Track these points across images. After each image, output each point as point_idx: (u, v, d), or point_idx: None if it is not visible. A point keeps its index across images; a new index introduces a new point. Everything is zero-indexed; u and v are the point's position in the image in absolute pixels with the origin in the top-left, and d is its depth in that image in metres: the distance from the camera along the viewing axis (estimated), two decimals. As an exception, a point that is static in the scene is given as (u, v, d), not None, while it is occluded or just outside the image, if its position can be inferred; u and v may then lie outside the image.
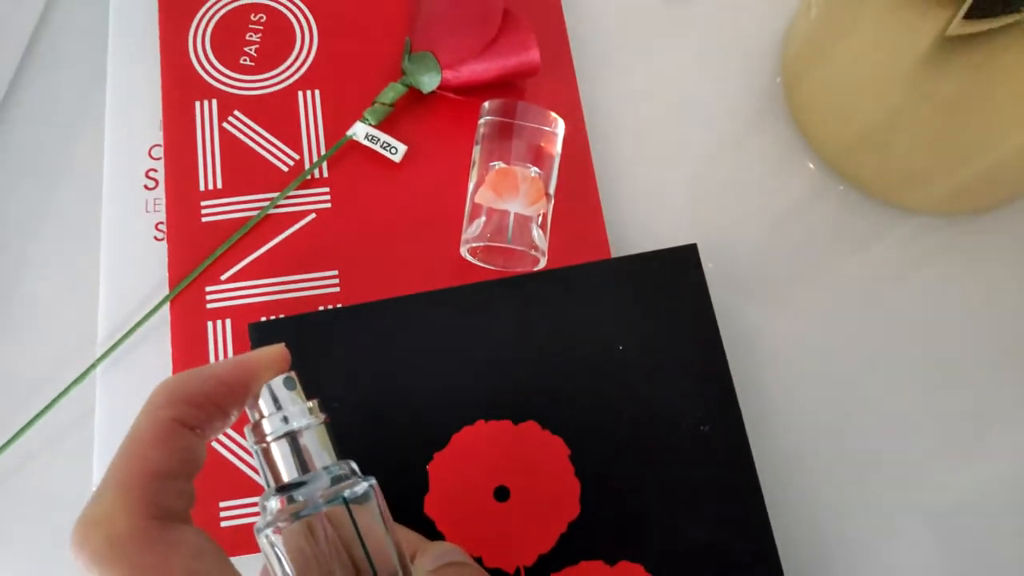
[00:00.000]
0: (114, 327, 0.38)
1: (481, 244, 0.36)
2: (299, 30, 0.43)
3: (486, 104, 0.38)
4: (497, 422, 0.34)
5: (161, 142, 0.41)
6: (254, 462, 0.35)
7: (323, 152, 0.40)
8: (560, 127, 0.38)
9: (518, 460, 0.33)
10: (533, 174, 0.36)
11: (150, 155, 0.41)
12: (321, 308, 0.37)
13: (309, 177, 0.40)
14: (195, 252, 0.38)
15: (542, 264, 0.37)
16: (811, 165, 0.43)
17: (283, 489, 0.23)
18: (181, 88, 0.41)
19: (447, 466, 0.33)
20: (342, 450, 0.24)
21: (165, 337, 0.37)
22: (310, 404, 0.24)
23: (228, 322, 0.37)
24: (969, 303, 0.40)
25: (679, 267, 0.36)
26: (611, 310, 0.36)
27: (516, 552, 0.33)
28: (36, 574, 0.36)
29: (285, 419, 0.24)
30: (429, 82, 0.40)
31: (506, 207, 0.36)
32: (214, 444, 0.36)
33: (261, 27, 0.43)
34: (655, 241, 0.39)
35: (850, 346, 0.39)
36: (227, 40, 0.42)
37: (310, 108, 0.41)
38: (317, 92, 0.41)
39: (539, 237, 0.36)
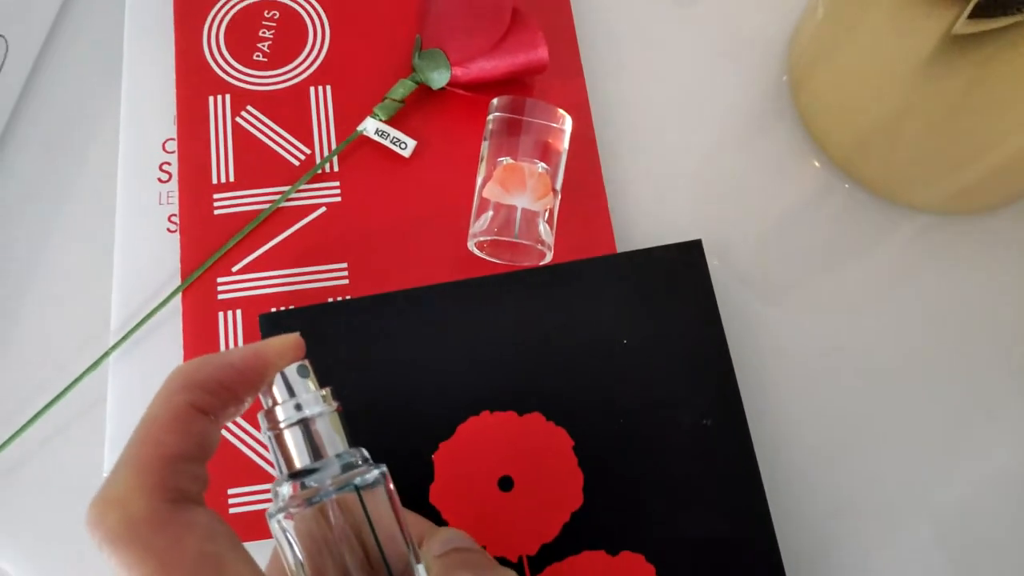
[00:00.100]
0: (127, 316, 0.38)
1: (488, 238, 0.36)
2: (311, 27, 0.43)
3: (495, 101, 0.38)
4: (502, 413, 0.34)
5: (175, 136, 0.41)
6: (267, 450, 0.36)
7: (334, 147, 0.41)
8: (568, 124, 0.38)
9: (522, 451, 0.34)
10: (540, 170, 0.37)
11: (164, 149, 0.41)
12: (330, 300, 0.38)
13: (320, 171, 0.40)
14: (207, 244, 0.39)
15: (548, 258, 0.37)
16: (816, 163, 0.43)
17: (295, 475, 0.23)
18: (195, 83, 0.42)
19: (452, 456, 0.34)
20: (353, 439, 0.25)
21: (177, 327, 0.38)
22: (323, 392, 0.25)
23: (239, 313, 0.38)
24: (974, 301, 0.40)
25: (684, 263, 0.37)
26: (616, 304, 0.36)
27: (519, 541, 0.33)
28: (48, 561, 0.36)
29: (298, 406, 0.24)
30: (439, 79, 0.40)
31: (513, 202, 0.36)
32: (223, 432, 0.36)
33: (274, 24, 0.43)
34: (660, 237, 0.40)
35: (853, 343, 0.39)
36: (241, 36, 0.43)
37: (322, 104, 0.42)
38: (329, 88, 0.42)
39: (545, 232, 0.37)
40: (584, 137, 0.41)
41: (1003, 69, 0.33)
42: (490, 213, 0.37)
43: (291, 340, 0.25)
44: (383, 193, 0.40)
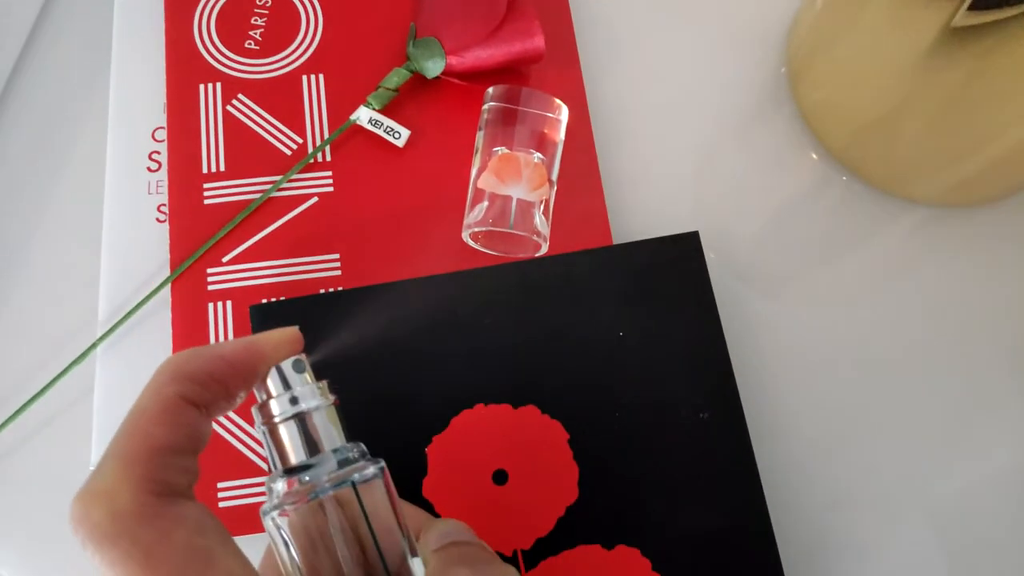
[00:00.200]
0: (115, 308, 0.38)
1: (483, 229, 0.36)
2: (304, 14, 0.43)
3: (490, 90, 0.38)
4: (496, 406, 0.34)
5: (164, 124, 0.41)
6: (257, 443, 0.35)
7: (326, 136, 0.40)
8: (564, 113, 0.38)
9: (517, 444, 0.33)
10: (536, 160, 0.36)
11: (153, 137, 0.41)
12: (322, 291, 0.37)
13: (312, 161, 0.40)
14: (197, 234, 0.38)
15: (544, 250, 0.37)
16: (814, 155, 0.42)
17: (290, 471, 0.23)
18: (185, 71, 0.41)
19: (446, 449, 0.33)
20: (351, 432, 0.24)
21: (166, 318, 0.37)
22: (320, 385, 0.24)
23: (229, 304, 0.37)
24: (972, 294, 0.40)
25: (681, 254, 0.36)
26: (612, 296, 0.36)
27: (514, 535, 0.33)
28: (35, 554, 0.36)
29: (294, 399, 0.23)
30: (433, 67, 0.40)
31: (509, 192, 0.36)
32: (212, 424, 0.35)
33: (266, 11, 0.43)
34: (657, 228, 0.39)
35: (851, 336, 0.39)
36: (232, 24, 0.42)
37: (314, 92, 0.41)
38: (321, 76, 0.41)
39: (541, 223, 0.36)
40: (580, 127, 0.41)
41: (1003, 61, 0.33)
42: (485, 204, 0.36)
43: (288, 334, 0.24)
44: (376, 183, 0.40)
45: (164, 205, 0.39)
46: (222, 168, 0.39)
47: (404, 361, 0.34)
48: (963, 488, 0.37)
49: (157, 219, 0.39)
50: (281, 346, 0.24)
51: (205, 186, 0.39)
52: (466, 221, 0.37)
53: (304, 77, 0.41)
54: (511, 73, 0.42)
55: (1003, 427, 0.38)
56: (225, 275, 0.38)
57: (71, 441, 0.36)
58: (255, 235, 0.38)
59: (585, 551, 0.32)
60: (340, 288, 0.38)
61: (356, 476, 0.22)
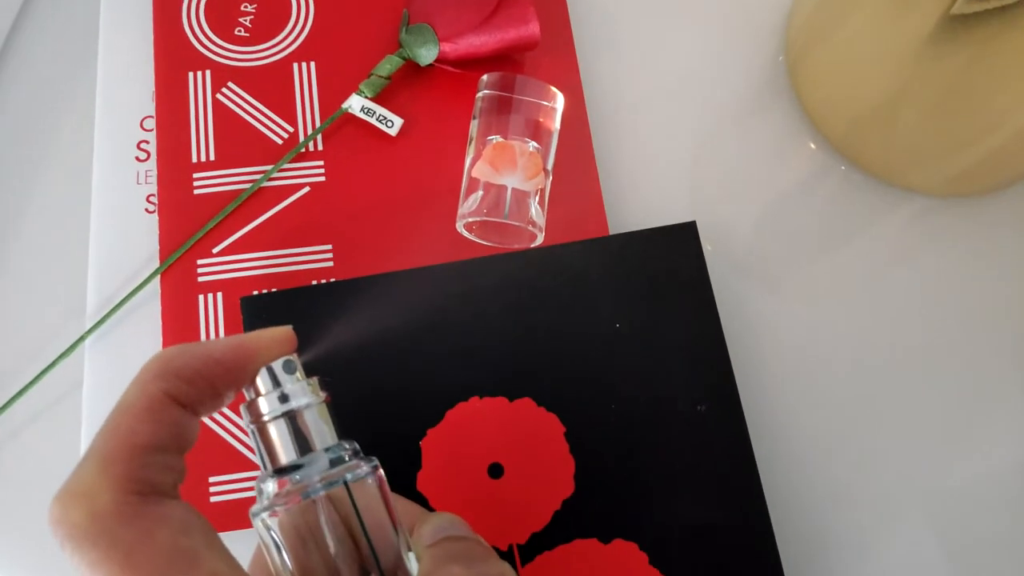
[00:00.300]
0: (103, 299, 0.37)
1: (478, 219, 0.35)
2: (295, 1, 0.42)
3: (484, 77, 0.37)
4: (492, 399, 0.33)
5: (153, 113, 0.40)
6: (250, 441, 0.35)
7: (318, 125, 0.40)
8: (559, 102, 0.37)
9: (513, 437, 0.33)
10: (531, 149, 0.36)
11: (142, 126, 0.40)
12: (314, 282, 0.37)
13: (303, 150, 0.39)
14: (187, 224, 0.38)
15: (539, 240, 0.36)
16: (813, 145, 0.42)
17: (281, 471, 0.22)
18: (174, 59, 0.41)
19: (441, 442, 0.33)
20: (343, 430, 0.24)
21: (155, 310, 0.37)
22: (310, 382, 0.23)
23: (219, 295, 0.37)
24: (971, 285, 0.40)
25: (678, 245, 0.36)
26: (609, 288, 0.35)
27: (509, 529, 0.32)
28: (23, 548, 0.35)
29: (284, 397, 0.23)
30: (427, 55, 0.39)
31: (503, 182, 0.35)
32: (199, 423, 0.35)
33: (256, -3, 0.42)
34: (654, 219, 0.39)
35: (850, 327, 0.39)
36: (222, 10, 0.41)
37: (305, 80, 0.40)
38: (313, 64, 0.41)
39: (537, 213, 0.36)
40: (576, 116, 0.40)
41: (1003, 49, 0.32)
42: (479, 193, 0.36)
43: (280, 333, 0.24)
44: (369, 173, 0.39)
45: (153, 195, 0.39)
46: (212, 157, 0.39)
47: (398, 353, 0.34)
48: (966, 485, 0.37)
49: (146, 209, 0.39)
50: (273, 346, 0.23)
51: (195, 176, 0.38)
52: (460, 211, 0.36)
53: (295, 65, 0.41)
54: (505, 61, 0.41)
55: (1004, 420, 0.38)
56: (215, 266, 0.37)
57: (60, 435, 0.36)
58: (246, 226, 0.38)
59: (582, 545, 0.32)
60: (333, 279, 0.37)
61: (349, 475, 0.22)
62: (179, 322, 0.36)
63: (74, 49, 0.43)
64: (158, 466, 0.20)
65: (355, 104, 0.39)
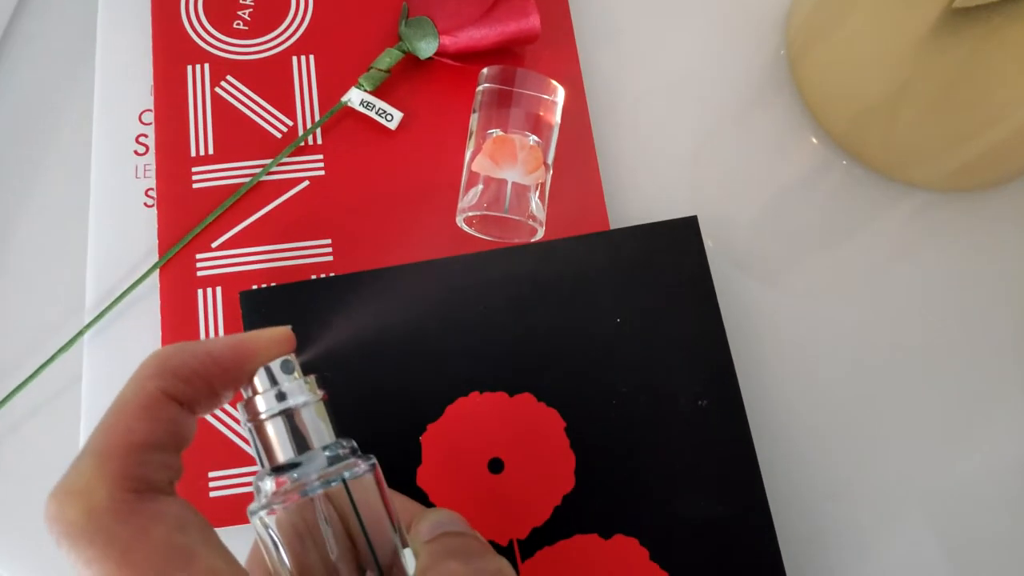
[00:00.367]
0: (102, 294, 0.37)
1: (478, 213, 0.35)
2: (294, -6, 0.42)
3: (484, 71, 0.37)
4: (492, 394, 0.33)
5: (152, 107, 0.40)
6: (247, 439, 0.35)
7: (317, 118, 0.39)
8: (560, 95, 0.37)
9: (513, 432, 0.33)
10: (532, 143, 0.36)
11: (140, 120, 0.40)
12: (313, 277, 0.37)
13: (303, 144, 0.39)
14: (186, 219, 0.37)
15: (540, 235, 0.36)
16: (814, 139, 0.42)
17: (278, 470, 0.22)
18: (173, 52, 0.40)
19: (441, 438, 0.33)
20: (341, 428, 0.24)
21: (154, 305, 0.37)
22: (307, 380, 0.23)
23: (219, 290, 0.36)
24: (972, 279, 0.40)
25: (679, 239, 0.36)
26: (609, 282, 0.35)
27: (510, 525, 0.32)
28: (22, 543, 0.35)
29: (281, 395, 0.23)
30: (426, 48, 0.39)
31: (504, 176, 0.35)
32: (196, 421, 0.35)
33: (255, -10, 0.42)
34: (655, 213, 0.39)
35: (851, 322, 0.39)
36: (220, 3, 0.41)
37: (304, 73, 0.40)
38: (312, 57, 0.41)
39: (537, 207, 0.36)
40: (576, 110, 0.40)
41: (1004, 43, 0.32)
42: (479, 187, 0.35)
43: (279, 333, 0.24)
44: (368, 166, 0.39)
45: (152, 189, 0.39)
46: (211, 151, 0.39)
47: (398, 348, 0.34)
48: (966, 480, 0.37)
49: (145, 203, 0.39)
50: (271, 346, 0.23)
51: (194, 170, 0.38)
52: (460, 205, 0.36)
53: (294, 58, 0.41)
54: (506, 54, 0.41)
55: (1004, 415, 0.38)
56: (214, 261, 0.37)
57: (59, 429, 0.36)
58: (245, 220, 0.38)
59: (582, 540, 0.32)
60: (332, 274, 0.37)
61: (347, 473, 0.22)
62: (178, 317, 0.36)
63: (72, 42, 0.42)
64: (155, 464, 0.20)
65: (354, 98, 0.39)
